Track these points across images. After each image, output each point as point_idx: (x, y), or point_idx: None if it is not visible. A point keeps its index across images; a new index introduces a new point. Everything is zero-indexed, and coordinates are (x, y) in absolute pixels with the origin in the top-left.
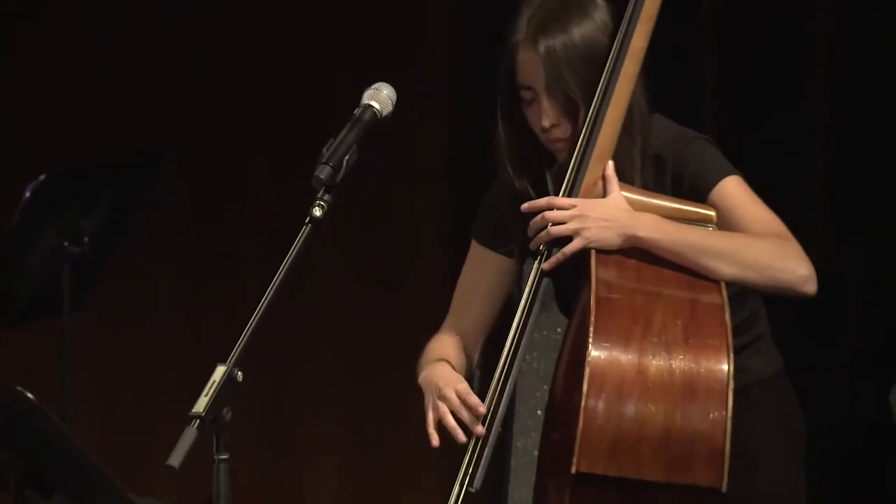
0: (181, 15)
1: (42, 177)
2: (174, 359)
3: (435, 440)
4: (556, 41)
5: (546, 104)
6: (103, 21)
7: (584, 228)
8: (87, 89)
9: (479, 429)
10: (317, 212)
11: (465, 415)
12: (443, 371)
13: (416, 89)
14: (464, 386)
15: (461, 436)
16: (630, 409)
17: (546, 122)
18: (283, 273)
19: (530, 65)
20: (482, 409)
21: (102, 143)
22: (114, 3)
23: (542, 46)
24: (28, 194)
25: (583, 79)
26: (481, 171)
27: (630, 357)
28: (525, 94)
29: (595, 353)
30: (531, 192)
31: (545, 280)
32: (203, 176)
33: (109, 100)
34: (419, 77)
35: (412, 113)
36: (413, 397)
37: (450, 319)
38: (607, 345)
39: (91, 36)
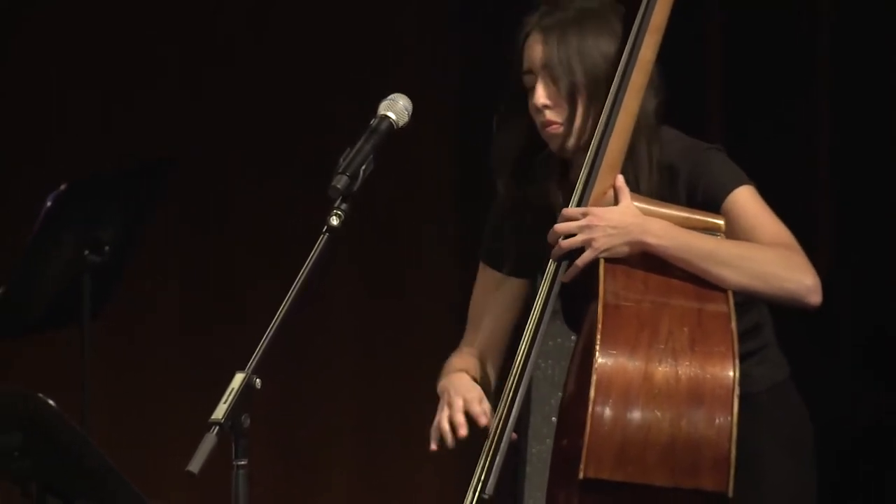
0: (169, 27)
1: (63, 186)
2: (189, 365)
3: (432, 444)
4: (560, 25)
5: (542, 84)
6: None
7: (593, 239)
8: (75, 99)
9: (462, 431)
10: (334, 221)
11: (458, 417)
12: (457, 380)
13: (422, 105)
14: (473, 395)
15: (449, 440)
16: (636, 415)
17: (540, 101)
18: (301, 281)
19: (533, 47)
20: (484, 419)
21: (91, 154)
22: (103, 15)
23: (545, 27)
24: (49, 204)
25: (584, 64)
26: (488, 187)
27: (636, 364)
28: (527, 81)
29: (602, 359)
30: (524, 201)
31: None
32: (204, 183)
33: (98, 111)
34: (423, 92)
35: (420, 127)
36: (423, 405)
37: (466, 337)
38: (614, 352)
39: (79, 48)
